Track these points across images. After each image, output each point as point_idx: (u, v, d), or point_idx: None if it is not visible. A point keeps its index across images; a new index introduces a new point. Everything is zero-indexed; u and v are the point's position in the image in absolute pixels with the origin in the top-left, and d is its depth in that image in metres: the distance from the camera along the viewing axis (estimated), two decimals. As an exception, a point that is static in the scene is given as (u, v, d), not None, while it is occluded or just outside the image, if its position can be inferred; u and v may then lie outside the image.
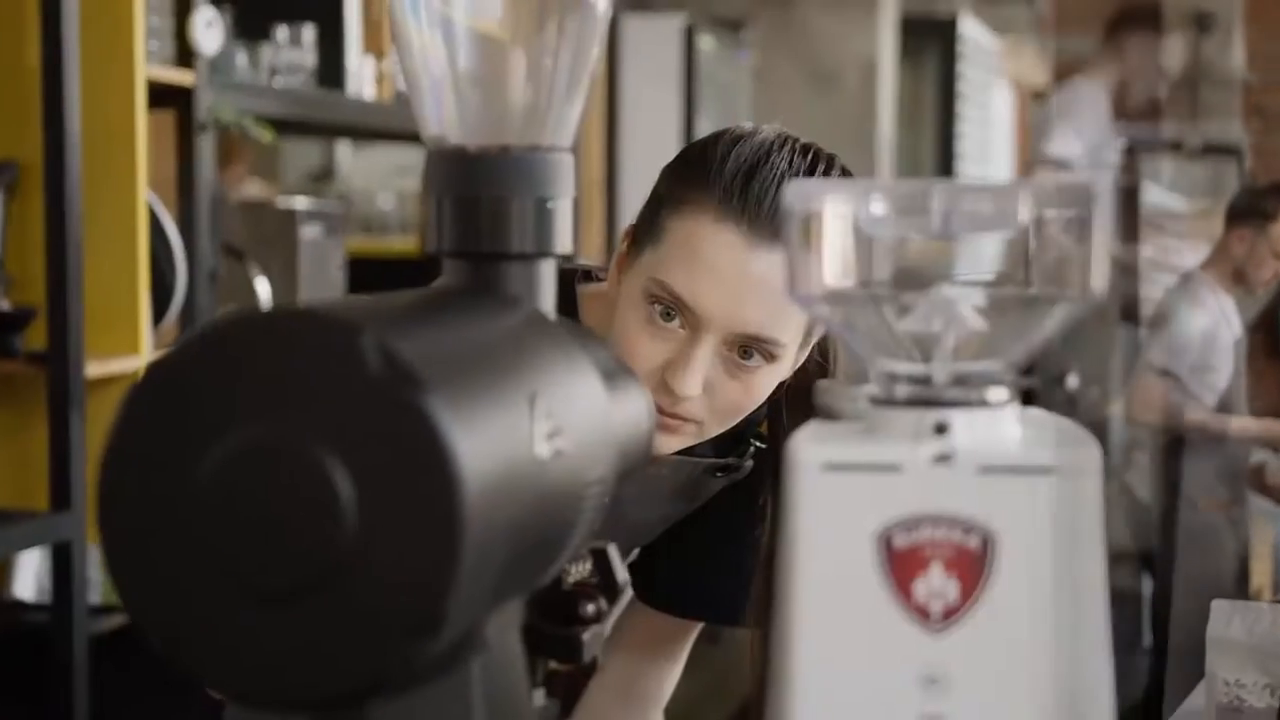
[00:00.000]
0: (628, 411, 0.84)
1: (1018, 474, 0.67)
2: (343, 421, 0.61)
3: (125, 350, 2.50)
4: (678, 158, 1.30)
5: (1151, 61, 4.53)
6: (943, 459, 0.67)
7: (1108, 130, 4.58)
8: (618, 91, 4.66)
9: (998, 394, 0.70)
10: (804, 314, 1.25)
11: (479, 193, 0.80)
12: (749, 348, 1.25)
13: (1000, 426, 0.69)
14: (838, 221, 0.70)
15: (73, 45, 2.36)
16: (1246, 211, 4.48)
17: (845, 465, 0.68)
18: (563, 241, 0.82)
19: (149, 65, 2.56)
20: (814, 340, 1.33)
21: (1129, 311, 4.49)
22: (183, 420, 0.62)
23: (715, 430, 1.30)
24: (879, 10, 5.49)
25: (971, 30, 7.51)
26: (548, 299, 0.81)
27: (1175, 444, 4.43)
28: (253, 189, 4.31)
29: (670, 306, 1.24)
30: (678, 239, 1.24)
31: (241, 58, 2.96)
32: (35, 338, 2.39)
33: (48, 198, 2.35)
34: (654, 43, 4.72)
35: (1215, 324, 4.42)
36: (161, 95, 2.63)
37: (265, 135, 2.77)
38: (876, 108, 5.50)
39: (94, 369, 2.43)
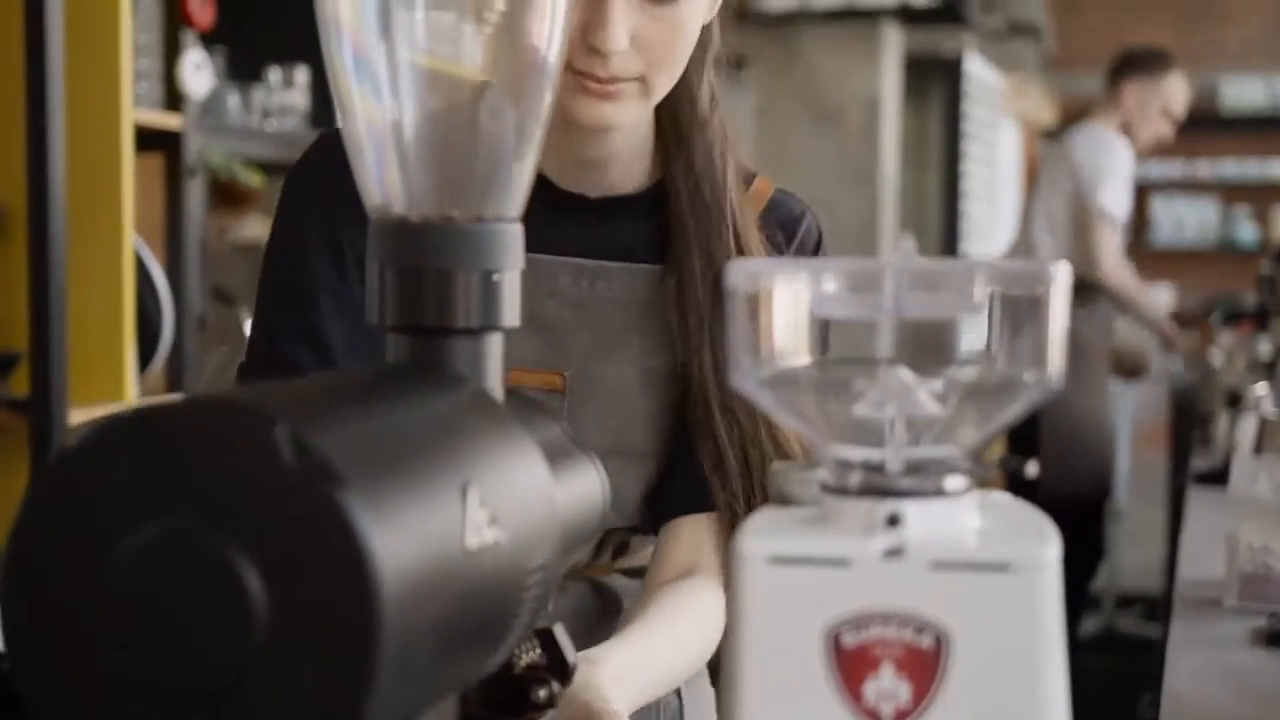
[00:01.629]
0: (575, 490, 0.81)
1: (973, 571, 0.64)
2: (254, 516, 0.58)
3: (110, 397, 2.47)
4: None
5: (1154, 107, 4.53)
6: (894, 554, 0.64)
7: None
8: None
9: (954, 483, 0.67)
10: None
11: (423, 264, 0.77)
12: None
13: (956, 518, 0.66)
14: (786, 301, 0.67)
15: (58, 88, 2.34)
16: (1136, 66, 4.54)
17: (793, 559, 0.65)
18: (510, 314, 0.79)
19: (137, 109, 2.53)
20: None
21: None
22: (91, 511, 0.59)
23: (664, 85, 1.25)
24: (882, 49, 5.47)
25: (977, 68, 7.50)
26: (494, 374, 0.78)
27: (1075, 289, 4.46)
28: (255, 227, 4.29)
29: None
30: None
31: (234, 99, 2.94)
32: (18, 384, 2.37)
33: (31, 242, 2.33)
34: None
35: (1131, 175, 4.52)
36: (150, 139, 2.61)
37: (254, 179, 2.74)
38: (880, 146, 5.47)
39: (77, 416, 2.40)
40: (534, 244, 1.29)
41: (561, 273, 1.31)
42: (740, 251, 1.31)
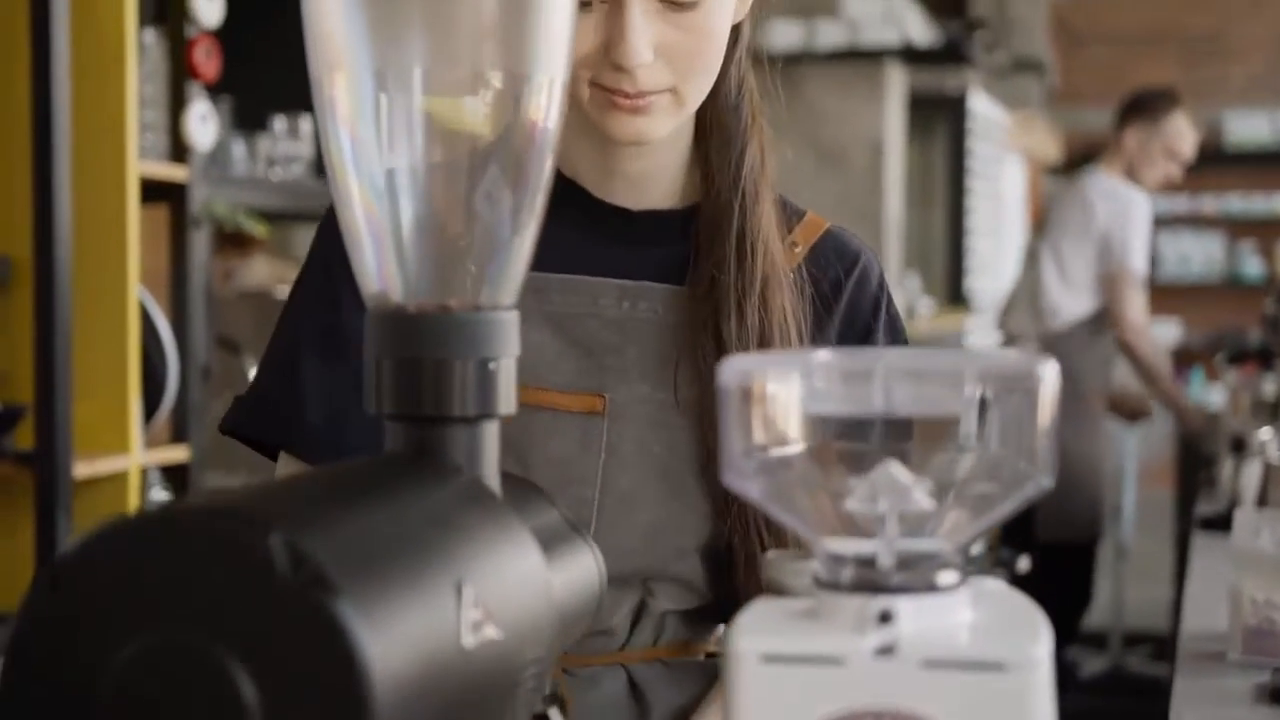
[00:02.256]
0: (571, 575, 0.81)
1: (965, 669, 0.64)
2: (250, 626, 0.58)
3: (115, 449, 2.48)
4: None
5: (1156, 149, 4.54)
6: (886, 652, 0.65)
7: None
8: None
9: (947, 578, 0.67)
10: None
11: (420, 355, 0.78)
12: None
13: (949, 613, 0.66)
14: (777, 397, 0.68)
15: (64, 140, 2.35)
16: (1138, 110, 4.57)
17: (785, 657, 0.65)
18: (506, 402, 0.79)
19: (143, 161, 2.55)
20: None
21: None
22: (88, 620, 0.60)
23: (697, 93, 1.20)
24: (886, 89, 5.49)
25: (981, 105, 7.52)
26: (490, 462, 0.79)
27: (1073, 331, 4.45)
28: (262, 268, 4.30)
29: None
30: None
31: (239, 148, 2.95)
32: (23, 437, 2.37)
33: (37, 294, 2.34)
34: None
35: None
36: (156, 190, 2.62)
37: (259, 230, 2.76)
38: (884, 186, 5.49)
39: (83, 469, 2.40)
40: (575, 263, 1.29)
41: (603, 293, 1.26)
42: (765, 273, 1.25)
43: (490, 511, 0.74)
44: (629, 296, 1.27)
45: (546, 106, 0.81)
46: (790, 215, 1.32)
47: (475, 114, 0.79)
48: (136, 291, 2.50)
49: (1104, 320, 4.45)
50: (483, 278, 0.80)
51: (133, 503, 2.50)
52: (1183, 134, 4.59)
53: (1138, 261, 4.43)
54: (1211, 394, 8.08)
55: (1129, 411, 5.06)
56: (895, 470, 0.68)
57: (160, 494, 2.81)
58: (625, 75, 1.16)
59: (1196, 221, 10.18)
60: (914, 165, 6.76)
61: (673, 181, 1.30)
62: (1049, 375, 0.65)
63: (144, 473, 2.62)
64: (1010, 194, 8.84)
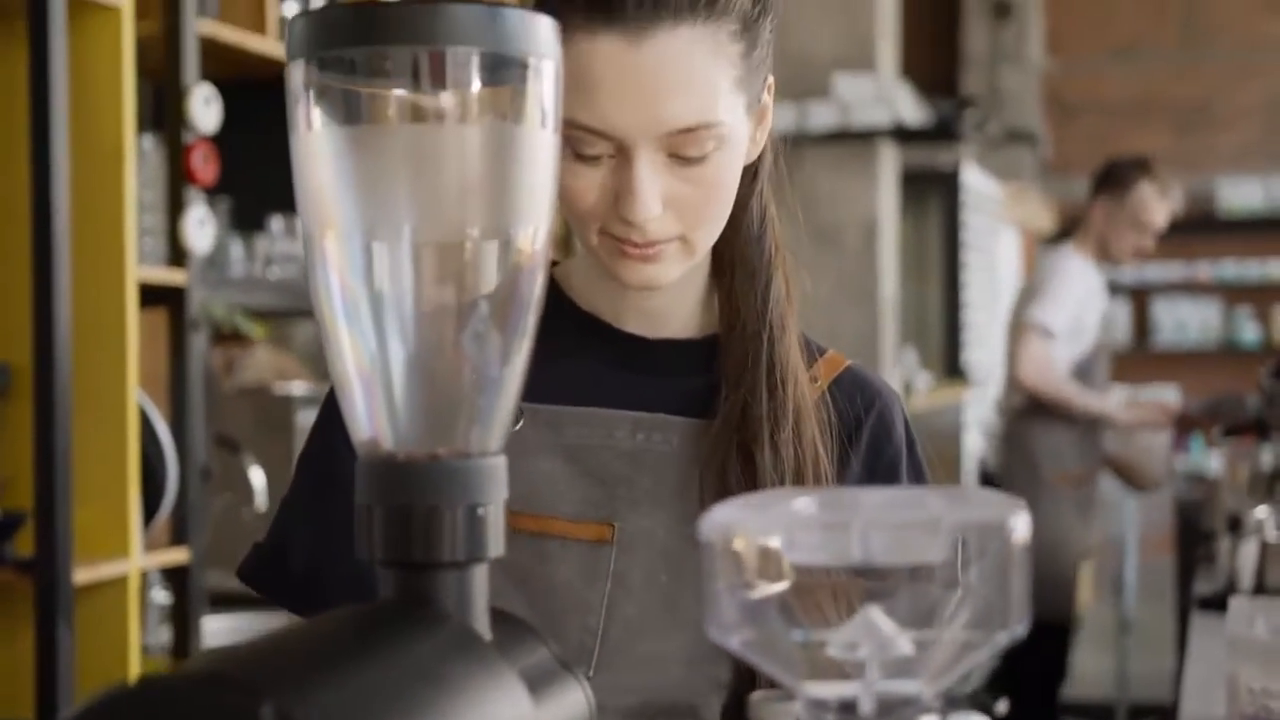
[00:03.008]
0: (558, 714, 0.82)
1: (943, 815, 0.65)
2: (242, 793, 0.59)
3: (115, 554, 2.49)
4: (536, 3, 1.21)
5: (1122, 221, 4.57)
6: (867, 798, 0.66)
7: (1096, 299, 4.62)
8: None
9: (926, 721, 0.69)
10: (736, 81, 1.17)
11: (410, 501, 0.79)
12: (689, 141, 1.15)
13: (928, 759, 0.68)
14: (758, 548, 0.69)
15: (64, 246, 2.38)
16: (1105, 183, 4.60)
17: (768, 805, 0.67)
18: (495, 545, 0.81)
19: (142, 266, 2.57)
20: (767, 99, 1.24)
21: None
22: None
23: (707, 238, 1.21)
24: (879, 168, 5.54)
25: (974, 179, 7.58)
26: (479, 605, 0.80)
27: (1029, 412, 4.49)
28: (264, 359, 4.32)
29: (587, 139, 1.15)
30: (571, 76, 1.16)
31: (237, 248, 2.98)
32: (23, 543, 2.39)
33: (37, 400, 2.36)
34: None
35: (1088, 293, 4.53)
36: (155, 293, 2.65)
37: (256, 331, 2.78)
38: (879, 265, 5.52)
39: (83, 575, 2.41)
40: (591, 394, 1.30)
41: (617, 425, 1.26)
42: (797, 404, 1.25)
43: (479, 659, 0.75)
44: (643, 428, 1.26)
45: (531, 255, 0.83)
46: (812, 350, 1.32)
47: (463, 266, 0.82)
48: (136, 396, 2.52)
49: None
50: (471, 424, 0.82)
51: (133, 608, 2.51)
52: (1148, 204, 4.60)
53: (1042, 314, 4.44)
54: (1210, 461, 8.09)
55: (1138, 482, 5.07)
56: (875, 616, 0.70)
57: (160, 596, 2.82)
58: (634, 228, 1.17)
59: (1192, 288, 10.23)
60: (908, 240, 6.81)
61: (690, 312, 1.30)
62: (1020, 525, 0.67)
63: (144, 575, 2.63)
64: (1005, 265, 8.89)
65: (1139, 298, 10.31)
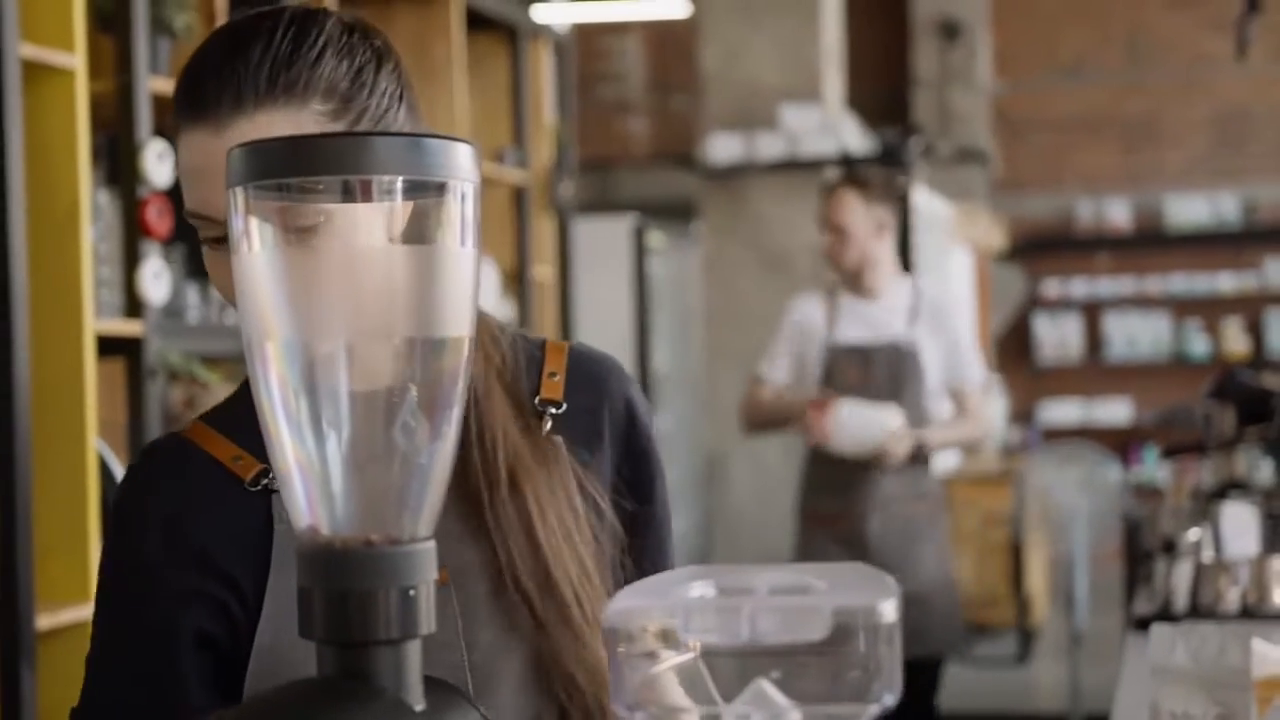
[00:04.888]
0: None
1: None
2: None
3: (77, 599, 2.55)
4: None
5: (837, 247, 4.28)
6: None
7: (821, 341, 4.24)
8: (570, 291, 4.77)
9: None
10: None
11: (347, 585, 0.87)
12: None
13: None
14: (656, 632, 0.77)
15: (22, 300, 2.44)
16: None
17: None
18: (427, 622, 0.88)
19: (99, 318, 2.64)
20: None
21: None
22: None
23: None
24: (828, 194, 5.64)
25: (924, 201, 7.68)
26: (413, 678, 0.88)
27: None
28: (223, 396, 4.35)
29: (202, 225, 1.20)
30: (180, 169, 1.22)
31: (193, 294, 3.05)
32: (-14, 591, 2.44)
33: (-3, 452, 2.42)
34: (606, 241, 4.84)
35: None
36: (112, 344, 2.71)
37: (212, 379, 2.85)
38: (828, 290, 5.62)
39: (44, 620, 2.47)
40: None
41: None
42: (510, 464, 1.28)
43: (412, 732, 0.83)
44: None
45: (457, 354, 0.91)
46: (530, 347, 1.35)
47: (392, 367, 0.89)
48: (95, 444, 2.58)
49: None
50: (403, 511, 0.89)
51: (95, 651, 2.57)
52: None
53: (764, 368, 4.25)
54: (1160, 473, 8.20)
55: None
56: (766, 688, 0.78)
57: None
58: None
59: (1142, 302, 10.38)
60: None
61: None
62: (889, 608, 0.75)
63: (106, 618, 2.68)
64: (958, 284, 9.01)
65: (1090, 312, 10.46)
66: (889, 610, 0.75)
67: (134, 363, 2.73)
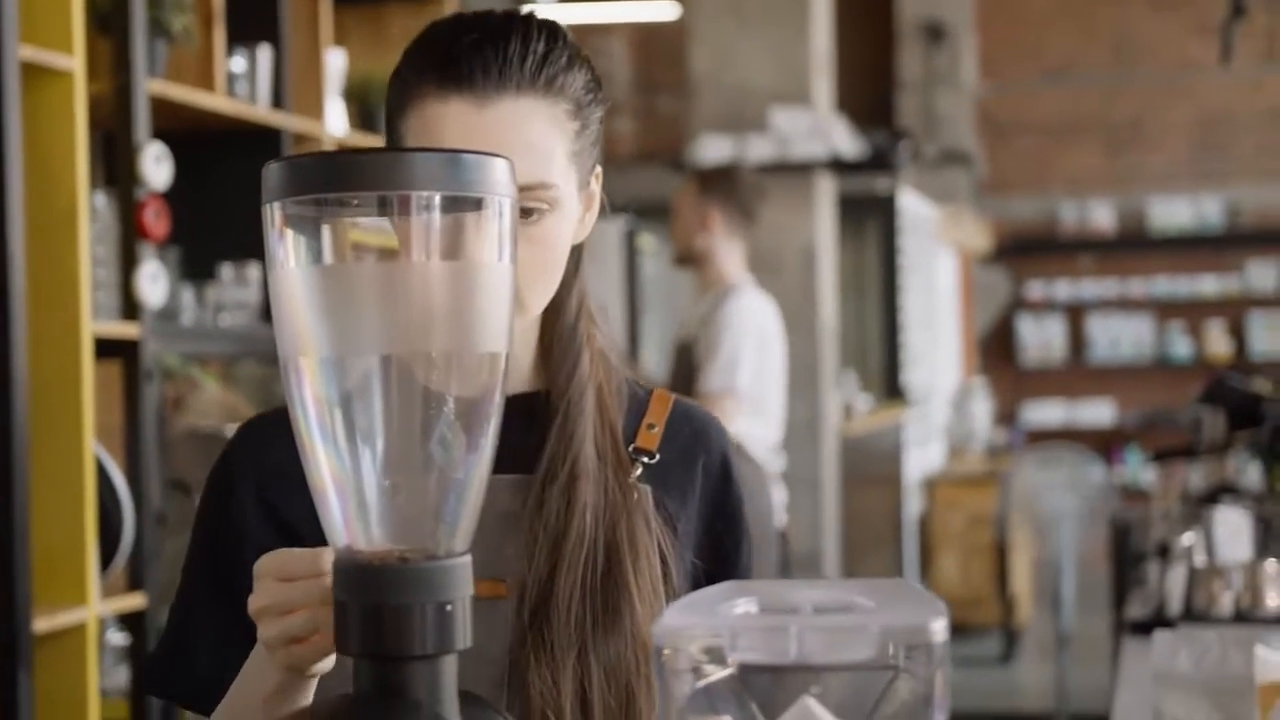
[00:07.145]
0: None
1: None
2: None
3: (73, 601, 2.54)
4: (393, 74, 1.27)
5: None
6: None
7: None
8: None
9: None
10: (570, 154, 1.23)
11: (382, 600, 0.87)
12: (526, 198, 1.18)
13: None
14: (703, 650, 0.77)
15: (20, 302, 2.43)
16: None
17: None
18: (463, 638, 0.88)
19: (96, 320, 2.63)
20: (596, 187, 1.30)
21: None
22: None
23: (538, 302, 1.25)
24: (816, 198, 5.64)
25: (911, 203, 7.70)
26: (449, 693, 0.88)
27: None
28: (213, 395, 4.33)
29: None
30: (414, 132, 1.22)
31: (189, 297, 3.04)
32: (-17, 595, 2.43)
33: (-5, 455, 2.41)
34: (596, 243, 4.79)
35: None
36: (109, 346, 2.70)
37: (208, 381, 2.84)
38: (817, 293, 5.62)
39: (42, 624, 2.46)
40: None
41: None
42: (575, 473, 1.27)
43: (449, 749, 0.83)
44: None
45: (491, 370, 0.91)
46: (639, 394, 1.36)
47: (428, 383, 0.89)
48: (92, 447, 2.57)
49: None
50: (438, 526, 0.89)
51: (91, 655, 2.56)
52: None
53: (714, 381, 4.06)
54: (1145, 474, 8.21)
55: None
56: (812, 705, 0.78)
57: (117, 638, 2.87)
58: None
59: (1126, 305, 10.41)
60: (847, 264, 6.91)
61: (518, 371, 1.30)
62: (940, 626, 0.75)
63: (101, 621, 2.68)
64: (944, 285, 9.02)
65: (1074, 314, 10.48)
66: (939, 630, 0.75)
67: (131, 365, 2.73)
